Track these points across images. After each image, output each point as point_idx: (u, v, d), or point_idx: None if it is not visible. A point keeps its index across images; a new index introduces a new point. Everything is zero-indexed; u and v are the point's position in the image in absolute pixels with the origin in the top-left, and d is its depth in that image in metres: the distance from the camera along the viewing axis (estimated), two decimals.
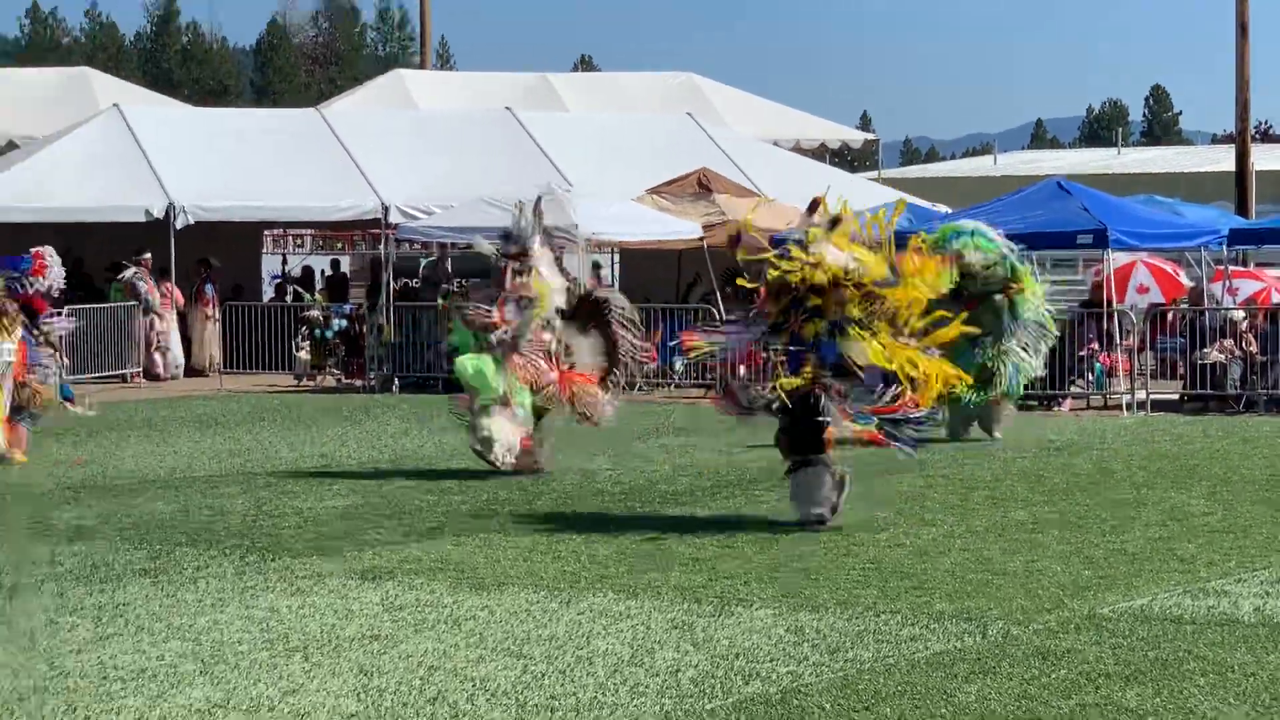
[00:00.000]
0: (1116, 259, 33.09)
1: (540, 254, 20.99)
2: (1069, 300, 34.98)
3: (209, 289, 37.91)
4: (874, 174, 57.68)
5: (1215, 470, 21.21)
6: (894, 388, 16.91)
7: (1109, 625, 12.42)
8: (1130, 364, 30.62)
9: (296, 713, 10.15)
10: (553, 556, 15.35)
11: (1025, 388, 26.57)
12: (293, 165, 39.11)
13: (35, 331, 22.98)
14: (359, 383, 34.95)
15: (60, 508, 18.52)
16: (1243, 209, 46.52)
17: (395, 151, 39.72)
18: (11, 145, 43.55)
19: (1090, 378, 30.78)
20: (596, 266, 40.09)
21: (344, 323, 36.59)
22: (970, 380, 23.07)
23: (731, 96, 54.37)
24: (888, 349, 16.88)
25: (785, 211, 23.68)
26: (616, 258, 43.18)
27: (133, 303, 36.35)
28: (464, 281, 31.83)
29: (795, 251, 16.89)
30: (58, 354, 23.79)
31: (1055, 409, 29.65)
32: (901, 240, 28.78)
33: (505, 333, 20.39)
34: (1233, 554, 15.31)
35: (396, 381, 33.34)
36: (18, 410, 22.69)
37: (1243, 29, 48.34)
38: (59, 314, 24.12)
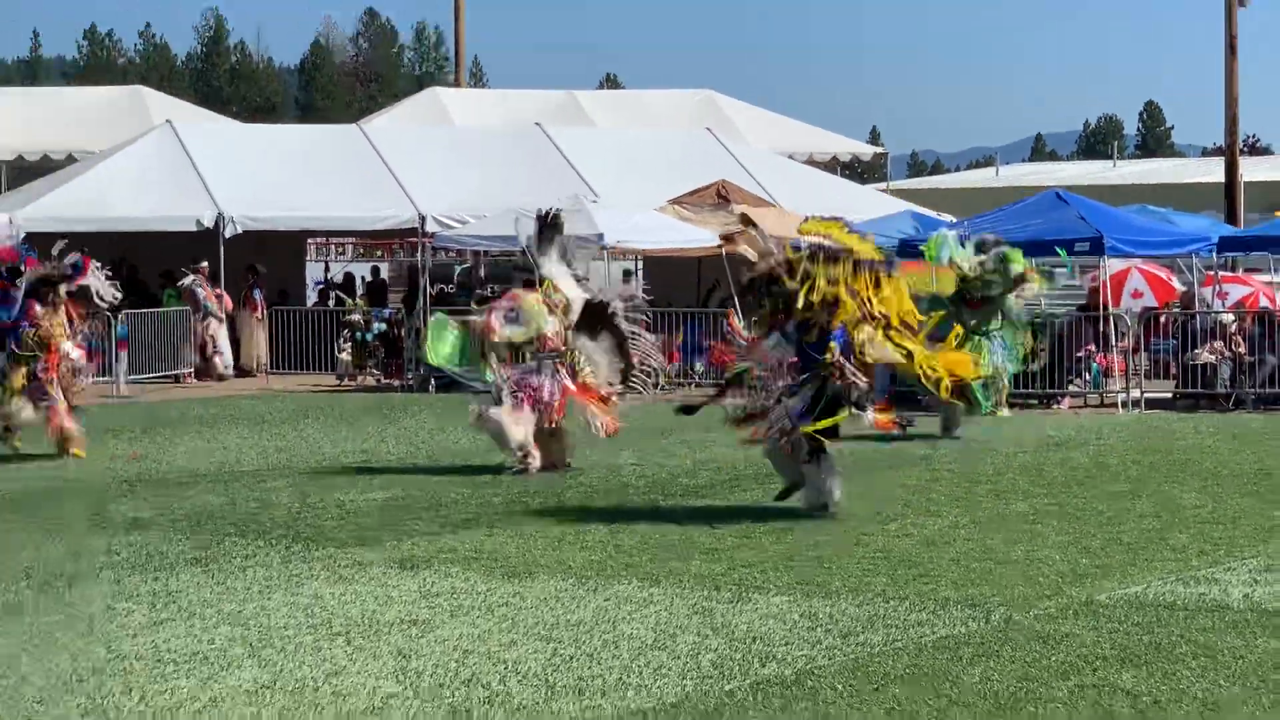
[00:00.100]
0: (1112, 265, 33.07)
1: (555, 270, 20.93)
2: (1067, 304, 35.05)
3: (257, 294, 37.96)
4: (883, 185, 57.64)
5: (1206, 465, 21.18)
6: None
7: (1105, 611, 12.41)
8: (1125, 364, 30.58)
9: (339, 693, 10.16)
10: (580, 546, 15.35)
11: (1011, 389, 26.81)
12: (334, 178, 39.14)
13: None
14: (397, 382, 34.98)
15: (117, 500, 18.55)
16: (1232, 218, 46.54)
17: (431, 165, 39.74)
18: (71, 159, 43.63)
19: (1087, 377, 30.75)
20: (627, 274, 40.08)
21: (383, 326, 36.67)
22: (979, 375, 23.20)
23: (748, 112, 54.34)
24: (909, 349, 16.93)
25: (795, 220, 23.58)
26: (640, 264, 43.18)
27: (185, 307, 36.41)
28: (495, 287, 31.86)
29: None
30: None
31: (1054, 407, 29.63)
32: (908, 248, 29.05)
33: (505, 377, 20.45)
34: (1222, 544, 15.28)
35: (433, 381, 33.33)
36: (73, 407, 22.72)
37: (1231, 48, 48.34)
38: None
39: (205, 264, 36.50)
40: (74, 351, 22.88)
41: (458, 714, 9.68)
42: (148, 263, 38.91)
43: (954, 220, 35.43)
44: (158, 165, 38.63)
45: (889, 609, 12.46)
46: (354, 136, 42.54)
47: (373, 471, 20.93)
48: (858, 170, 55.23)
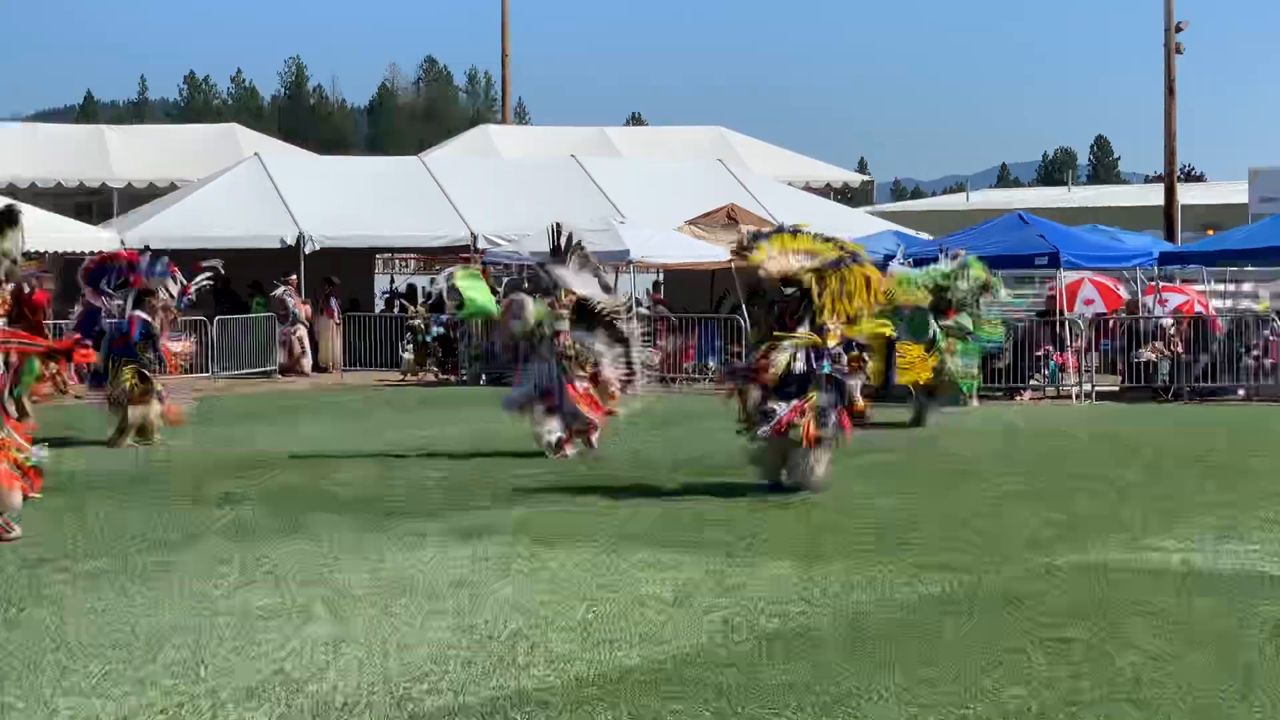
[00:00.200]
0: (1067, 276, 33.06)
1: (574, 279, 20.89)
2: (1027, 310, 35.04)
3: (333, 302, 38.02)
4: (869, 208, 57.57)
5: (1148, 449, 21.14)
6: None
7: (1062, 574, 12.39)
8: (1079, 362, 30.54)
9: (403, 644, 10.16)
10: (610, 518, 15.35)
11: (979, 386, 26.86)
12: (398, 202, 39.21)
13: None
14: (453, 378, 35.02)
15: (212, 479, 18.57)
16: (1170, 236, 46.51)
17: (481, 191, 39.80)
18: (173, 187, 43.68)
19: (1046, 373, 30.73)
20: (656, 286, 40.10)
21: (441, 329, 36.70)
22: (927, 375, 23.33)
23: (754, 145, 54.26)
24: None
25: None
26: (661, 276, 43.23)
27: (271, 314, 36.49)
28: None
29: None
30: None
31: (1017, 399, 29.60)
32: (890, 262, 28.98)
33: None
34: (1163, 517, 15.24)
35: (484, 377, 33.34)
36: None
37: (1170, 90, 48.32)
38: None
39: (294, 276, 36.60)
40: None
41: (505, 663, 9.68)
42: (238, 276, 38.96)
43: (930, 238, 35.41)
44: (247, 192, 38.73)
45: (876, 573, 12.44)
46: (415, 167, 42.61)
47: (432, 455, 20.94)
48: (848, 195, 55.00)
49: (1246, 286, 38.23)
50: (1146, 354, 30.11)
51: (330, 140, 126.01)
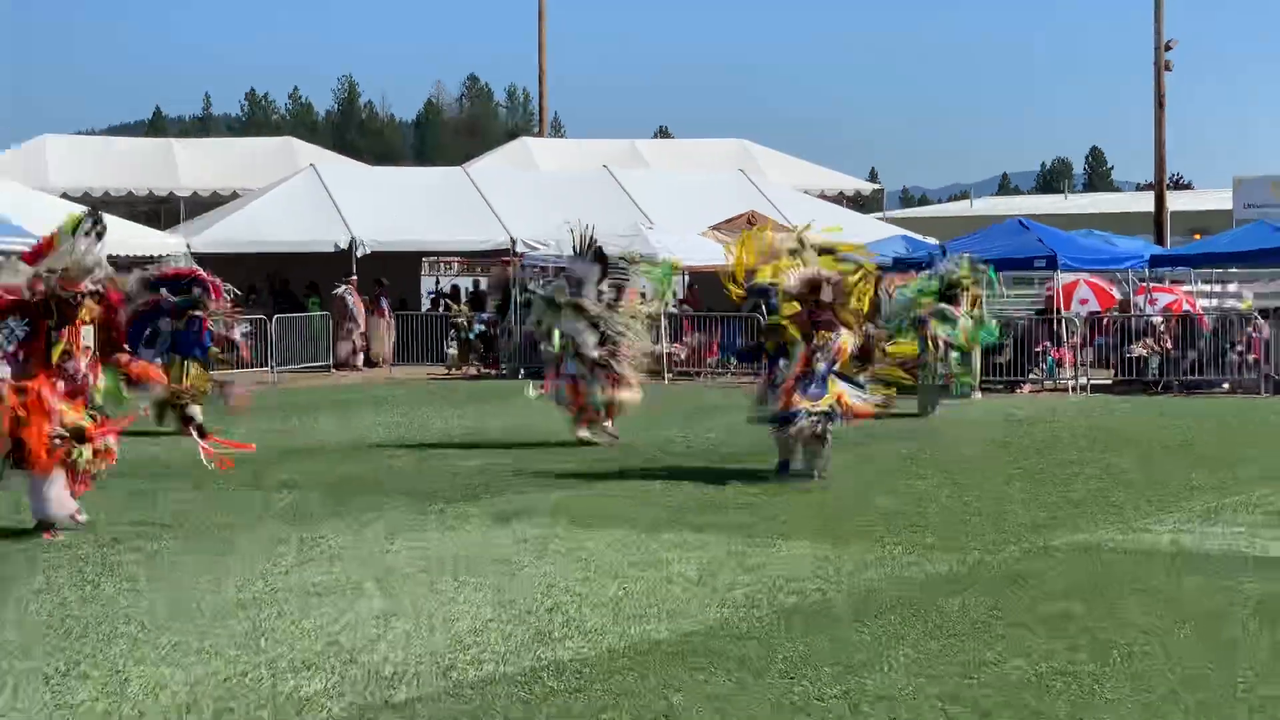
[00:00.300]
0: (1064, 278, 33.00)
1: (590, 279, 20.96)
2: (1027, 309, 34.96)
3: (383, 301, 38.03)
4: (879, 215, 57.46)
5: (1139, 438, 21.08)
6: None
7: (1059, 555, 12.37)
8: (1075, 357, 30.45)
9: (448, 618, 10.18)
10: (640, 502, 15.35)
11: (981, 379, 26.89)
12: (444, 210, 39.21)
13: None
14: (494, 372, 35.03)
15: (271, 465, 18.61)
16: (1160, 240, 46.36)
17: (521, 199, 39.76)
18: (235, 195, 43.76)
19: (1044, 367, 30.65)
20: (692, 286, 40.05)
21: (483, 327, 36.74)
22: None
23: (773, 156, 54.15)
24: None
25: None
26: (686, 278, 43.18)
27: (324, 313, 36.54)
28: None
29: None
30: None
31: (1017, 391, 29.52)
32: (900, 264, 28.98)
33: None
34: (1153, 501, 15.21)
35: (522, 371, 33.33)
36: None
37: (1160, 104, 48.13)
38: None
39: (355, 277, 36.67)
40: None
41: (542, 636, 9.69)
42: (295, 278, 39.12)
43: (936, 242, 35.33)
44: (304, 200, 38.76)
45: (886, 553, 12.43)
46: (459, 177, 42.60)
47: (475, 444, 20.96)
48: (859, 203, 54.87)
49: (1231, 287, 38.12)
50: (1138, 350, 30.01)
51: (380, 152, 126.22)
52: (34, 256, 13.87)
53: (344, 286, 36.54)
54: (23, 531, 13.54)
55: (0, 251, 22.38)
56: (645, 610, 10.38)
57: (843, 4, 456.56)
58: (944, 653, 9.18)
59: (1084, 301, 34.63)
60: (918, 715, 7.97)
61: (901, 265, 29.72)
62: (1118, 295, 34.98)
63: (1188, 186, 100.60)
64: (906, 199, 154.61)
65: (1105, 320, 32.17)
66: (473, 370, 35.80)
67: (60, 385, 13.62)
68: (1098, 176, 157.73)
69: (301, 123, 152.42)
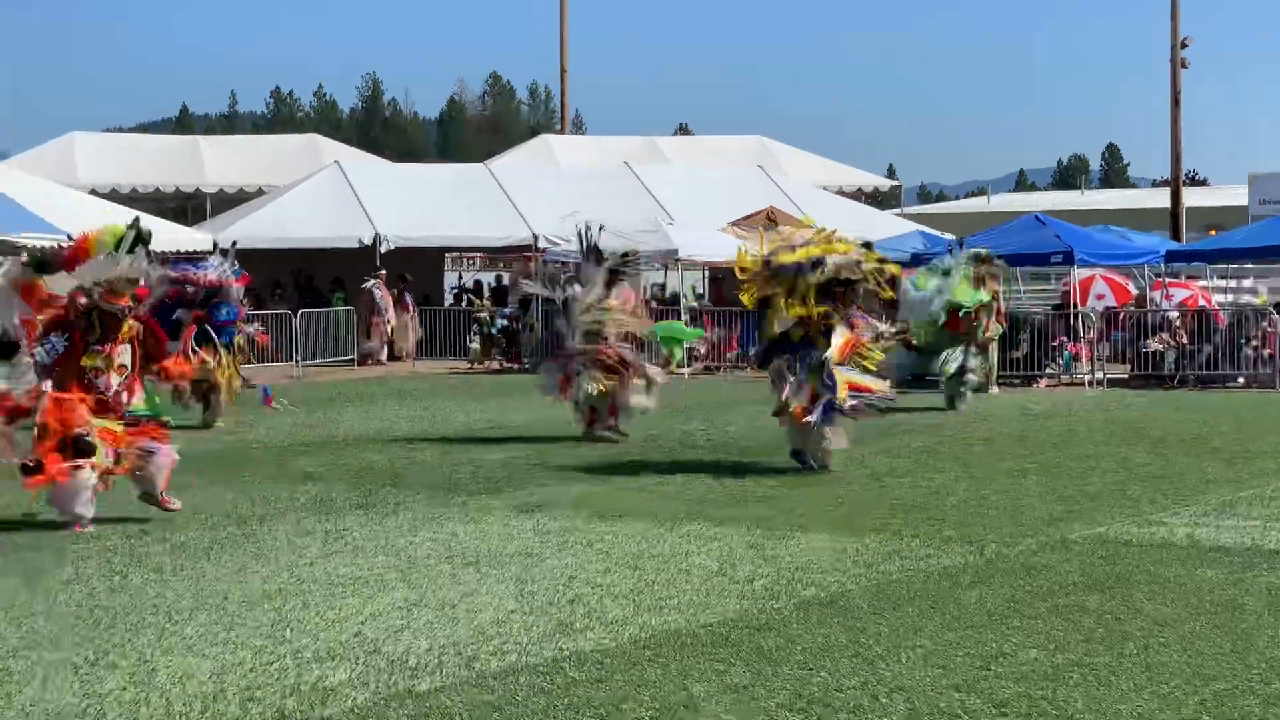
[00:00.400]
0: (1080, 273, 32.95)
1: (596, 280, 20.98)
2: (1044, 304, 34.91)
3: (407, 296, 38.11)
4: (897, 211, 57.38)
5: (1155, 432, 21.03)
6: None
7: (1076, 547, 12.34)
8: (1091, 352, 30.42)
9: (471, 609, 10.19)
10: (660, 495, 15.36)
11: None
12: (466, 206, 39.29)
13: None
14: (516, 366, 35.06)
15: (296, 458, 18.66)
16: (1176, 235, 46.26)
17: (542, 196, 39.80)
18: (260, 192, 43.90)
19: (1060, 362, 30.62)
20: (717, 281, 40.07)
21: (505, 322, 36.78)
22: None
23: (792, 153, 54.16)
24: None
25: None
26: (706, 273, 43.19)
27: (348, 308, 36.61)
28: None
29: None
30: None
31: (1034, 385, 29.49)
32: (918, 259, 28.98)
33: None
34: (1169, 494, 15.17)
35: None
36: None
37: (1175, 101, 48.05)
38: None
39: (384, 271, 36.74)
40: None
41: (564, 627, 9.70)
42: (320, 273, 39.19)
43: (954, 238, 35.29)
44: (328, 196, 38.87)
45: (903, 545, 12.42)
46: (481, 173, 42.68)
47: (497, 437, 20.99)
48: (877, 199, 54.79)
49: (1246, 282, 38.04)
50: (1154, 344, 29.96)
51: (404, 149, 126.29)
52: (70, 260, 13.82)
53: (372, 281, 36.62)
54: (54, 524, 13.57)
55: (25, 248, 22.47)
56: (666, 601, 10.38)
57: (861, 3, 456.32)
58: (961, 644, 9.17)
59: (1100, 297, 34.57)
60: (935, 706, 7.96)
61: (919, 261, 29.65)
62: (1134, 290, 34.92)
63: (1203, 182, 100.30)
64: (924, 195, 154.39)
65: (1121, 315, 32.11)
66: (495, 365, 35.84)
67: (89, 399, 13.62)
68: (1114, 173, 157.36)
69: (326, 120, 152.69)
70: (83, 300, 13.67)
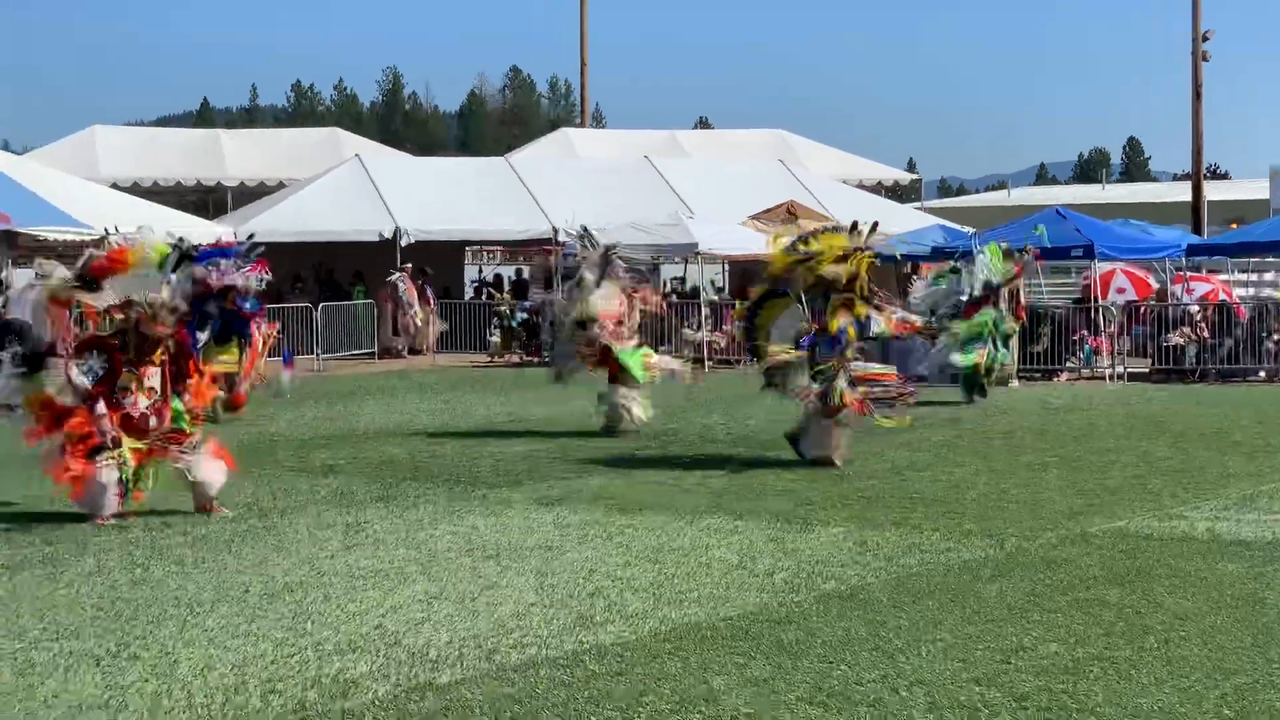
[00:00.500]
0: (1101, 267, 32.88)
1: (593, 281, 21.07)
2: (1065, 298, 34.85)
3: (428, 290, 38.14)
4: (917, 204, 57.32)
5: (1176, 425, 20.99)
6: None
7: (1096, 541, 12.32)
8: (1111, 346, 30.35)
9: (491, 602, 10.21)
10: (680, 488, 15.36)
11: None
12: (486, 199, 39.28)
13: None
14: (536, 360, 35.05)
15: (316, 451, 18.69)
16: (1197, 229, 46.13)
17: (562, 189, 39.77)
18: (281, 185, 43.94)
19: (1081, 356, 30.56)
20: (746, 274, 40.05)
21: (525, 315, 36.78)
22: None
23: (812, 147, 54.08)
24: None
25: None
26: (725, 267, 43.19)
27: (368, 301, 36.65)
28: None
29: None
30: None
31: (1055, 379, 29.42)
32: (938, 254, 28.94)
33: None
34: (1189, 488, 15.15)
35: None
36: None
37: (1197, 95, 47.89)
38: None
39: (409, 265, 36.78)
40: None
41: (584, 620, 9.71)
42: (341, 267, 39.24)
43: (974, 232, 35.24)
44: (349, 190, 38.88)
45: (923, 538, 12.41)
46: (501, 167, 42.68)
47: (517, 430, 21.00)
48: (897, 193, 54.70)
49: (1268, 276, 37.95)
50: (1175, 338, 29.89)
51: (424, 143, 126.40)
52: (106, 270, 13.72)
53: (397, 274, 36.66)
54: (77, 517, 13.60)
55: (47, 244, 22.46)
56: (686, 595, 10.39)
57: None
58: (981, 637, 9.17)
59: (1121, 290, 34.47)
60: (955, 699, 7.96)
61: (939, 255, 29.60)
62: (1155, 284, 34.83)
63: (1225, 176, 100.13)
64: (944, 189, 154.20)
65: (1142, 309, 32.03)
66: (515, 358, 35.85)
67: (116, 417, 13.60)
68: (1135, 166, 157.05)
69: (346, 114, 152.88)
70: (119, 317, 13.65)
